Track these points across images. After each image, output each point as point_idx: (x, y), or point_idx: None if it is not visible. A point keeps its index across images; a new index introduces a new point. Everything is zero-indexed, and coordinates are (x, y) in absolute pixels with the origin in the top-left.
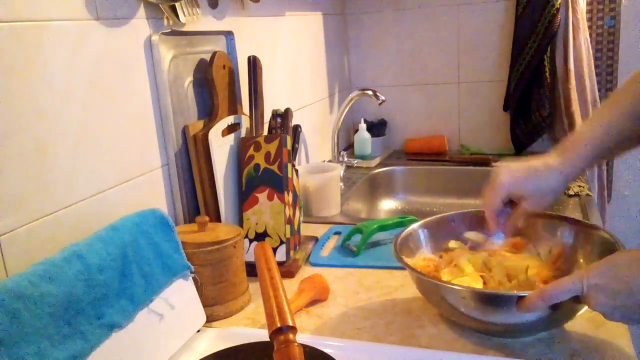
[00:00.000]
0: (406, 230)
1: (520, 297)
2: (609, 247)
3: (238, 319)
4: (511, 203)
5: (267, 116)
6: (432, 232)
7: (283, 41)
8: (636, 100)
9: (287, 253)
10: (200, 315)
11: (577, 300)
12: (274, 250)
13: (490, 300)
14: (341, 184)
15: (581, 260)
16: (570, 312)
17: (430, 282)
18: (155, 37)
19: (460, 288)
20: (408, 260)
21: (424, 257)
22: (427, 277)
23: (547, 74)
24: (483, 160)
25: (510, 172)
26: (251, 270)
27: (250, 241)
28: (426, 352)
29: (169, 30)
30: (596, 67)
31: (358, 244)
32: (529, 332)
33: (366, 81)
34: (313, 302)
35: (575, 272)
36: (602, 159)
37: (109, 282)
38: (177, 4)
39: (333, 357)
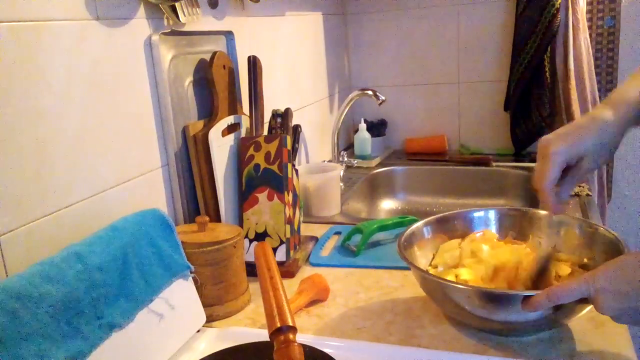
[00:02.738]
0: (410, 229)
1: (527, 297)
2: (613, 248)
3: (238, 319)
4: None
5: (267, 116)
6: (436, 231)
7: (283, 41)
8: None
9: (287, 253)
10: (200, 315)
11: (582, 300)
12: (274, 250)
13: (495, 299)
14: (341, 184)
15: (585, 261)
16: (573, 312)
17: (435, 280)
18: (155, 37)
19: (465, 287)
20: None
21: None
22: (432, 275)
23: (547, 74)
24: (483, 160)
25: (562, 138)
26: (251, 270)
27: (250, 241)
28: (426, 352)
29: (169, 30)
30: (596, 67)
31: (358, 244)
32: (531, 331)
33: (366, 81)
34: (313, 302)
35: (582, 275)
36: None
37: (109, 282)
38: (177, 4)
39: (333, 357)
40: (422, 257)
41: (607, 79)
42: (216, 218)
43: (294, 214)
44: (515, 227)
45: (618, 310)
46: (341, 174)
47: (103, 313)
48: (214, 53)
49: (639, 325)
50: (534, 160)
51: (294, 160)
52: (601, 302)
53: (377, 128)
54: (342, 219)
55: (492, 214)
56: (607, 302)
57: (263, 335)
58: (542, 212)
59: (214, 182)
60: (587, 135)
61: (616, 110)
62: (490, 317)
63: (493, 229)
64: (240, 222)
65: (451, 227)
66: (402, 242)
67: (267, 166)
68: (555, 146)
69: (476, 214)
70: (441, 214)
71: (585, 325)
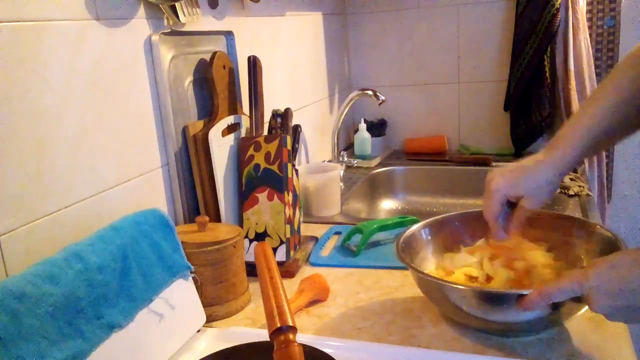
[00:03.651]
0: (409, 231)
1: (521, 296)
2: (611, 246)
3: (238, 319)
4: (510, 204)
5: (267, 116)
6: (434, 233)
7: (283, 41)
8: (620, 94)
9: (287, 253)
10: (200, 315)
11: (578, 299)
12: (274, 250)
13: (491, 298)
14: (341, 184)
15: (583, 259)
16: (571, 311)
17: (432, 281)
18: (155, 37)
19: (461, 287)
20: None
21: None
22: (429, 276)
23: (547, 74)
24: (483, 160)
25: (503, 175)
26: (251, 270)
27: (250, 241)
28: (426, 352)
29: (169, 30)
30: (596, 67)
31: (358, 244)
32: (530, 330)
33: (366, 81)
34: (313, 302)
35: (575, 273)
36: (593, 150)
37: (109, 282)
38: (177, 4)
39: (333, 357)
40: (422, 257)
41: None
42: (216, 218)
43: (294, 214)
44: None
45: (611, 308)
46: (341, 174)
47: (103, 313)
48: (214, 53)
49: (633, 323)
50: None
51: (294, 160)
52: (594, 301)
53: (377, 128)
54: (342, 219)
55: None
56: (600, 300)
57: (263, 335)
58: (542, 212)
59: (214, 182)
60: (525, 178)
61: (557, 153)
62: (487, 317)
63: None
64: (240, 222)
65: (450, 228)
66: (400, 243)
67: (267, 166)
68: (496, 184)
69: (474, 215)
70: (440, 216)
71: (585, 325)
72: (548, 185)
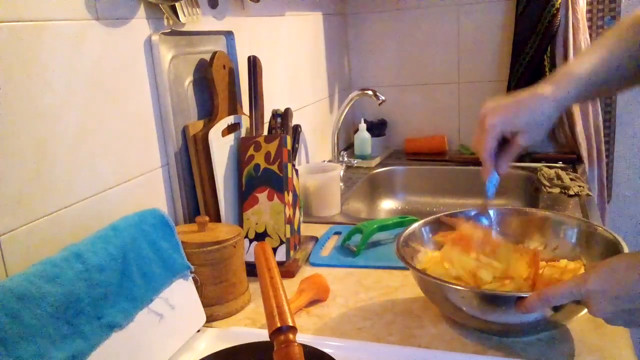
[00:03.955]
0: (408, 230)
1: (520, 298)
2: (612, 248)
3: (238, 319)
4: (503, 141)
5: (267, 116)
6: (435, 231)
7: (283, 41)
8: (622, 39)
9: (287, 253)
10: (200, 315)
11: (577, 302)
12: (274, 250)
13: (490, 300)
14: (341, 184)
15: (584, 260)
16: (571, 313)
17: (432, 281)
18: (155, 37)
19: (461, 288)
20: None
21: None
22: (430, 276)
23: (547, 74)
24: None
25: (499, 109)
26: (251, 270)
27: (250, 241)
28: (426, 352)
29: (169, 30)
30: None
31: (358, 244)
32: (530, 331)
33: (366, 81)
34: (313, 302)
35: (574, 277)
36: (595, 91)
37: (109, 282)
38: (177, 4)
39: (333, 357)
40: (422, 257)
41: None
42: (216, 218)
43: (294, 214)
44: (514, 227)
45: (610, 312)
46: (341, 174)
47: (103, 313)
48: (214, 53)
49: (632, 327)
50: (534, 160)
51: (294, 160)
52: (593, 305)
53: (377, 128)
54: (342, 219)
55: (491, 214)
56: (599, 304)
57: (263, 335)
58: (542, 212)
59: (214, 182)
60: (523, 111)
61: (557, 86)
62: (486, 318)
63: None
64: (240, 222)
65: (450, 227)
66: (400, 242)
67: (267, 166)
68: (492, 119)
69: (474, 214)
70: (440, 214)
71: (585, 325)
72: (547, 120)
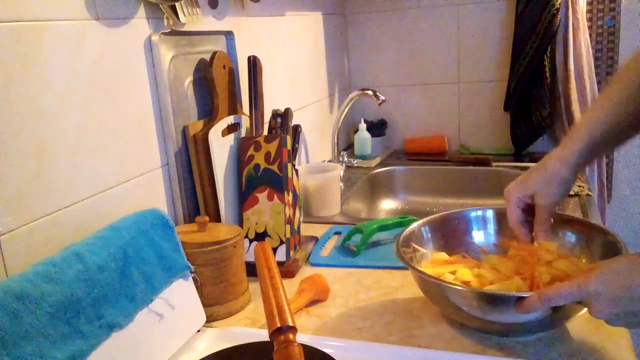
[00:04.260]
0: (408, 229)
1: (520, 298)
2: (612, 249)
3: (238, 319)
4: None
5: (267, 116)
6: (435, 231)
7: (283, 41)
8: (629, 90)
9: (287, 253)
10: (200, 315)
11: (577, 302)
12: (274, 250)
13: (490, 300)
14: (341, 184)
15: (584, 261)
16: (571, 312)
17: (432, 281)
18: (155, 37)
19: (461, 288)
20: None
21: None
22: (429, 276)
23: (547, 74)
24: (483, 160)
25: (516, 180)
26: (251, 270)
27: (250, 241)
28: (426, 352)
29: (169, 30)
30: (596, 67)
31: (358, 244)
32: (530, 331)
33: (366, 81)
34: (313, 302)
35: (575, 278)
36: (602, 146)
37: (109, 282)
38: (177, 4)
39: (333, 357)
40: (421, 257)
41: (607, 79)
42: (216, 218)
43: (294, 214)
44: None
45: (611, 314)
46: (341, 174)
47: (103, 313)
48: (214, 53)
49: (633, 328)
50: (534, 160)
51: (294, 160)
52: (594, 306)
53: (377, 128)
54: (342, 219)
55: (490, 213)
56: (600, 306)
57: (263, 335)
58: None
59: (214, 182)
60: (534, 174)
61: (565, 146)
62: (486, 318)
63: (491, 228)
64: (240, 222)
65: (449, 227)
66: (400, 242)
67: (267, 166)
68: (508, 188)
69: (473, 214)
70: (439, 214)
71: (585, 325)
72: (557, 178)
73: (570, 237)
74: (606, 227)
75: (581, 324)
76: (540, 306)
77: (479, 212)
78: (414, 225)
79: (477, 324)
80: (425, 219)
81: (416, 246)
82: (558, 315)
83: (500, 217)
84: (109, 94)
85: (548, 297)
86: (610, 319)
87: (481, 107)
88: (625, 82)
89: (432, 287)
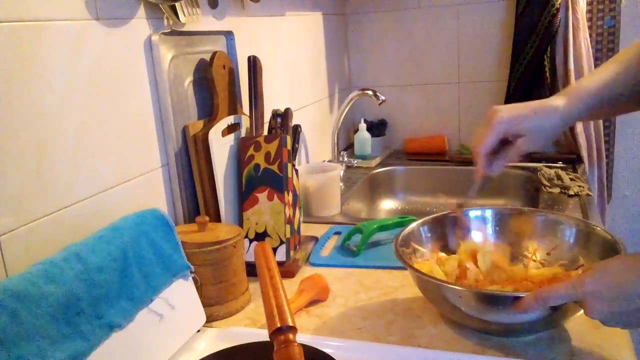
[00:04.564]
0: (407, 229)
1: (517, 298)
2: (611, 250)
3: (238, 319)
4: (502, 142)
5: (267, 116)
6: (433, 231)
7: (283, 41)
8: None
9: (287, 253)
10: (200, 315)
11: (575, 302)
12: (274, 250)
13: (488, 300)
14: (341, 184)
15: (582, 261)
16: (570, 312)
17: (430, 281)
18: (155, 37)
19: (459, 288)
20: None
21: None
22: (428, 276)
23: (547, 74)
24: None
25: (509, 111)
26: (251, 270)
27: (250, 241)
28: (426, 352)
29: (169, 30)
30: (596, 67)
31: (358, 244)
32: (528, 331)
33: (366, 81)
34: (313, 302)
35: (571, 278)
36: (603, 109)
37: (109, 282)
38: (177, 4)
39: (333, 357)
40: (421, 257)
41: None
42: (216, 218)
43: (294, 214)
44: (513, 227)
45: (607, 314)
46: (341, 174)
47: (103, 313)
48: (214, 53)
49: (629, 328)
50: (534, 160)
51: (294, 160)
52: (589, 306)
53: (377, 128)
54: (342, 219)
55: (489, 213)
56: (595, 306)
57: (263, 335)
58: (540, 212)
59: (214, 182)
60: (531, 115)
61: (567, 99)
62: (484, 318)
63: (490, 228)
64: (240, 222)
65: (448, 226)
66: (399, 242)
67: (267, 166)
68: (500, 117)
69: (472, 213)
70: (438, 214)
71: (585, 325)
72: (551, 129)
73: (569, 238)
74: (605, 228)
75: (581, 324)
76: (536, 306)
77: (478, 212)
78: (413, 225)
79: (476, 324)
80: (424, 219)
81: (416, 246)
82: (556, 315)
83: (501, 217)
84: (109, 94)
85: (544, 297)
86: (605, 319)
87: (481, 107)
88: (636, 50)
89: (431, 287)
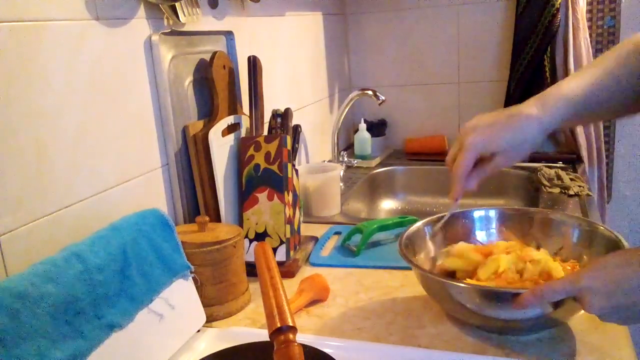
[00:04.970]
0: (412, 228)
1: (516, 294)
2: (613, 246)
3: (238, 319)
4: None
5: (267, 116)
6: (437, 231)
7: (283, 41)
8: (622, 62)
9: (287, 253)
10: (200, 315)
11: (573, 299)
12: (274, 250)
13: (490, 296)
14: (341, 184)
15: (585, 259)
16: (571, 311)
17: (434, 279)
18: (155, 37)
19: (462, 285)
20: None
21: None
22: (431, 274)
23: (547, 74)
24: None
25: (481, 130)
26: (251, 270)
27: (250, 241)
28: (426, 352)
29: (169, 30)
30: None
31: (358, 244)
32: (530, 329)
33: (366, 81)
34: (313, 302)
35: (569, 274)
36: (583, 116)
37: (109, 282)
38: (177, 4)
39: (333, 357)
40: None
41: None
42: (216, 218)
43: (294, 214)
44: (515, 226)
45: (604, 309)
46: (341, 174)
47: (103, 313)
48: (214, 53)
49: (627, 324)
50: (534, 160)
51: (294, 160)
52: (587, 301)
53: (377, 128)
54: (342, 219)
55: (492, 213)
56: (592, 301)
57: (263, 335)
58: (543, 212)
59: (214, 182)
60: (506, 131)
61: (543, 107)
62: (487, 314)
63: (494, 228)
64: (240, 222)
65: (452, 226)
66: (403, 241)
67: (267, 166)
68: (473, 138)
69: (477, 214)
70: (442, 214)
71: (585, 325)
72: (529, 141)
73: (572, 237)
74: (608, 227)
75: (581, 323)
76: (534, 301)
77: (482, 212)
78: (418, 224)
79: (479, 321)
80: (428, 218)
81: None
82: (557, 313)
83: (502, 217)
84: (109, 94)
85: (542, 293)
86: (603, 314)
87: (481, 107)
88: (618, 57)
89: (435, 285)
